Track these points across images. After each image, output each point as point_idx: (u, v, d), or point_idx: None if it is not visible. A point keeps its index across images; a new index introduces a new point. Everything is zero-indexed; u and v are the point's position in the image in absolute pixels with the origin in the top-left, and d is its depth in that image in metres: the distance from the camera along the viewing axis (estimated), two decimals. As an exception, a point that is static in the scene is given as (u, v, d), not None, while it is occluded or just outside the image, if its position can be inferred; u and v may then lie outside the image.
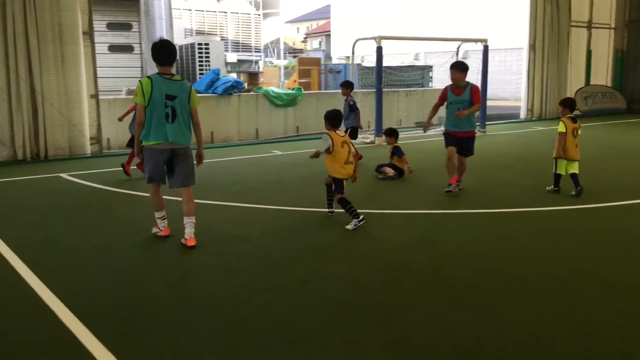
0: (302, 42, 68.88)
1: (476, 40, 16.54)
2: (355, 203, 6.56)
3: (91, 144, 11.82)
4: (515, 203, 7.68)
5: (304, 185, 8.94)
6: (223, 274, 5.13)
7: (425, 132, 9.94)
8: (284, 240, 6.13)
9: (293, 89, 15.89)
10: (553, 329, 4.04)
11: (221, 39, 23.30)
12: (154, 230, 6.27)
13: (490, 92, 17.30)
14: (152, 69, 19.59)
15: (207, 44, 19.78)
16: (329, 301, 4.50)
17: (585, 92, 20.96)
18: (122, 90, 14.76)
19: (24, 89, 10.84)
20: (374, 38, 13.68)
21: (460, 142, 8.18)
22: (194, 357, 3.62)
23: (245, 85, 15.84)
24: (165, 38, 7.15)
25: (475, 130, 8.48)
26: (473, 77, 16.85)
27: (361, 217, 6.53)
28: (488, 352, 3.71)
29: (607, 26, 22.03)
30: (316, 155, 7.02)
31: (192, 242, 5.84)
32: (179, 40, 22.77)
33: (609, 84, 22.31)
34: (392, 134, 10.13)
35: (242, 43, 26.12)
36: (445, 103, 8.36)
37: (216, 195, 8.09)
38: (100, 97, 12.16)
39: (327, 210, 7.10)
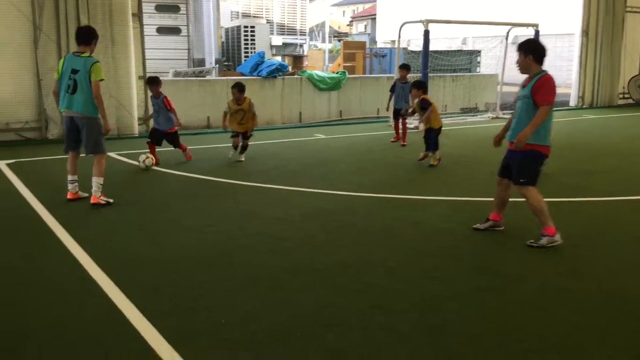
0: (348, 25, 68.34)
1: (527, 25, 16.07)
2: (398, 189, 6.49)
3: (139, 125, 12.04)
4: (561, 193, 7.48)
5: (347, 169, 8.91)
6: (264, 255, 5.17)
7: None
8: (325, 223, 6.13)
9: (337, 73, 15.80)
10: (600, 320, 3.94)
11: (267, 22, 23.34)
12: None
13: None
14: (199, 51, 19.79)
15: (252, 27, 19.84)
16: (370, 286, 4.49)
17: (640, 80, 20.18)
18: (168, 72, 14.96)
19: (75, 70, 11.08)
20: (422, 22, 13.45)
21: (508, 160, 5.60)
22: (235, 336, 3.67)
23: (290, 68, 15.84)
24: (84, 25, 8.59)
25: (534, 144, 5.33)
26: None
27: None
28: (529, 344, 3.64)
29: (666, 11, 21.07)
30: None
31: (93, 200, 6.58)
32: (225, 22, 22.92)
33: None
34: (420, 86, 9.41)
35: (287, 26, 26.10)
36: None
37: (259, 178, 8.14)
38: (148, 78, 12.33)
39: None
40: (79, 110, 6.49)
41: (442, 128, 9.37)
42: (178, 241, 5.57)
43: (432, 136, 9.08)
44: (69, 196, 6.79)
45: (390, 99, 11.68)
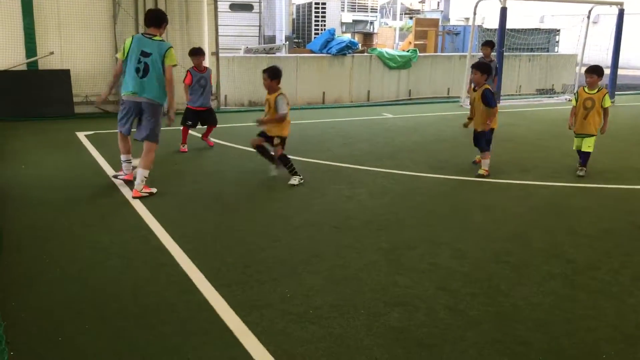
0: (420, 2, 66.81)
1: (611, 4, 15.23)
2: (467, 172, 6.31)
3: (211, 100, 12.28)
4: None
5: (414, 149, 8.79)
6: (330, 231, 5.20)
7: None
8: (392, 203, 6.09)
9: (408, 51, 15.54)
10: (680, 317, 3.75)
11: (338, -1, 23.16)
12: (118, 173, 6.63)
13: (622, 61, 15.99)
14: (270, 27, 19.88)
15: (324, 4, 19.74)
16: (436, 267, 4.44)
17: None
18: (240, 49, 15.14)
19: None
20: (498, -2, 12.98)
21: None
22: (300, 309, 3.72)
23: (360, 46, 15.69)
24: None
25: None
26: (605, 43, 15.63)
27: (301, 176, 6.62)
28: (601, 334, 3.51)
29: None
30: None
31: (134, 194, 6.06)
32: (297, 0, 22.91)
33: None
34: (484, 69, 7.23)
35: (358, 3, 25.82)
36: None
37: (326, 155, 8.16)
38: (220, 54, 12.54)
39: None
40: (149, 96, 6.12)
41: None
42: (247, 213, 5.68)
43: (487, 135, 7.31)
44: (125, 177, 6.52)
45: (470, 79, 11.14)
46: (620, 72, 15.60)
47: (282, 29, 19.68)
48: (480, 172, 7.16)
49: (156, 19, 6.25)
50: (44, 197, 6.05)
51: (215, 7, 12.18)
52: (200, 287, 4.02)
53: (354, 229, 5.27)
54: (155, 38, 6.17)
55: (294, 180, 6.64)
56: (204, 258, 4.51)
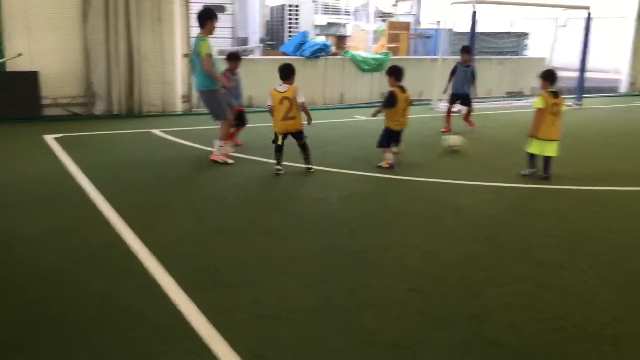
0: (393, 5, 67.27)
1: (578, 8, 15.53)
2: (440, 173, 6.37)
3: (183, 102, 12.19)
4: (609, 181, 7.25)
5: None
6: (302, 235, 5.19)
7: None
8: (364, 205, 6.10)
9: (381, 54, 15.63)
10: (634, 311, 3.84)
11: (312, 1, 23.16)
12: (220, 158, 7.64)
13: (592, 64, 16.34)
14: (243, 29, 19.75)
15: (297, 6, 19.71)
16: (409, 270, 4.46)
17: (698, 66, 19.29)
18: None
19: (122, 45, 11.24)
20: (470, 2, 13.14)
21: None
22: (272, 312, 3.70)
23: (333, 48, 15.72)
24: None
25: None
26: (573, 47, 15.89)
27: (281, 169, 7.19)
28: (569, 334, 3.57)
29: None
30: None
31: (212, 157, 7.65)
32: (270, 1, 22.86)
33: None
34: (391, 72, 7.87)
35: (332, 6, 25.87)
36: None
37: (298, 158, 8.13)
38: (192, 56, 12.44)
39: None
40: (197, 87, 7.74)
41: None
42: (220, 217, 5.64)
43: (385, 132, 7.90)
44: (211, 157, 7.72)
45: (448, 83, 11.11)
46: (588, 75, 15.90)
47: (255, 31, 19.60)
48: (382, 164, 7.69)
49: (199, 19, 7.45)
50: (9, 201, 5.92)
51: (187, 9, 12.08)
52: (170, 292, 3.97)
53: (326, 232, 5.27)
54: (198, 35, 7.44)
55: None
56: (174, 263, 4.45)
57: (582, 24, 15.06)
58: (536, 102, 7.29)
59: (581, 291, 4.17)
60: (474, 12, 13.03)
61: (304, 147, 7.40)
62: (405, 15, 41.73)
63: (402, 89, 7.83)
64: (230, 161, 7.63)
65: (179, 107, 12.07)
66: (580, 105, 14.78)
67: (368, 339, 3.44)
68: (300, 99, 7.15)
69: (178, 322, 3.58)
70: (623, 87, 18.55)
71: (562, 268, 4.57)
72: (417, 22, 43.12)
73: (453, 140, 8.89)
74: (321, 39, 16.99)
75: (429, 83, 14.95)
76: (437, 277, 4.34)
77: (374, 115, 8.13)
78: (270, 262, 4.53)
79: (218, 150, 7.65)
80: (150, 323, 3.56)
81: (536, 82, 16.64)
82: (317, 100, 14.36)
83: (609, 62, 23.67)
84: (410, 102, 7.95)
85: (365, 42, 25.37)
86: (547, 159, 7.25)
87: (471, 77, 10.78)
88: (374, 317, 3.69)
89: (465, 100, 10.89)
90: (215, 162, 7.58)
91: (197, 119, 11.29)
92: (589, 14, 14.99)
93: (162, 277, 4.19)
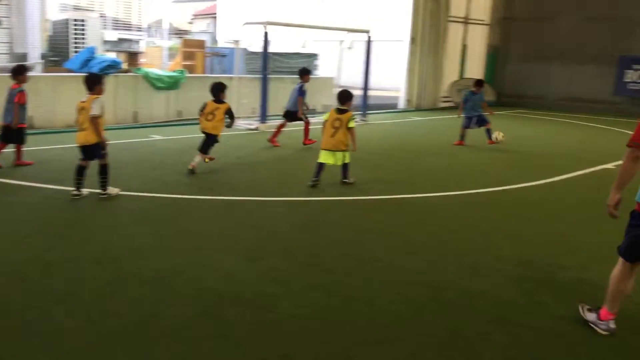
0: (189, 23, 66.79)
1: (360, 31, 16.85)
2: (237, 191, 6.43)
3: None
4: (390, 190, 7.92)
5: (184, 171, 8.67)
6: (88, 266, 4.84)
7: None
8: (158, 229, 5.90)
9: (176, 72, 15.37)
10: (417, 309, 4.22)
11: (100, 16, 22.01)
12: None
13: (374, 82, 17.79)
14: (22, 44, 18.10)
15: (82, 21, 18.55)
16: (203, 292, 4.39)
17: (459, 84, 22.06)
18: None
19: None
20: (262, 23, 13.53)
21: None
22: (51, 355, 3.38)
23: (124, 65, 15.09)
24: None
25: None
26: (357, 67, 17.16)
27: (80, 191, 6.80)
28: (355, 338, 3.79)
29: (482, 22, 23.31)
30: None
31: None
32: (52, 15, 21.23)
33: (482, 78, 23.65)
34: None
35: (123, 21, 24.87)
36: None
37: (86, 182, 7.62)
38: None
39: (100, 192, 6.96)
40: None
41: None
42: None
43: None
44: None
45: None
46: (371, 93, 17.29)
47: (36, 46, 18.02)
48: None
49: None
50: None
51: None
52: None
53: (115, 261, 4.98)
54: None
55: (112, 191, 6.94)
56: None
57: (364, 46, 16.35)
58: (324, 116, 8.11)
59: (366, 295, 4.46)
60: (266, 33, 13.45)
61: (100, 168, 6.90)
62: (201, 33, 41.65)
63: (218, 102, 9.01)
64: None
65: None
66: (366, 120, 16.00)
67: (159, 369, 3.30)
68: (93, 111, 6.67)
69: None
70: (401, 104, 20.52)
71: (348, 275, 4.86)
72: (214, 40, 43.29)
73: (496, 134, 11.48)
74: (111, 56, 16.24)
75: (227, 101, 15.03)
76: (233, 296, 4.34)
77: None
78: (48, 299, 4.15)
79: None
80: None
81: (327, 100, 17.71)
82: (109, 119, 13.60)
83: (390, 81, 26.07)
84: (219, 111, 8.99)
85: (160, 59, 24.79)
86: (342, 167, 7.96)
87: (298, 95, 11.62)
88: (165, 347, 3.57)
89: (293, 116, 11.65)
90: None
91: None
92: (369, 37, 16.34)
93: None
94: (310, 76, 12.09)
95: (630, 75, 20.01)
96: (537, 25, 22.21)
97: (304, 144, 11.57)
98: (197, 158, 8.72)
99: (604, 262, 5.35)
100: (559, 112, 19.83)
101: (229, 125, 9.12)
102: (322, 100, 17.92)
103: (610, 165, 10.23)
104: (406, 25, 19.89)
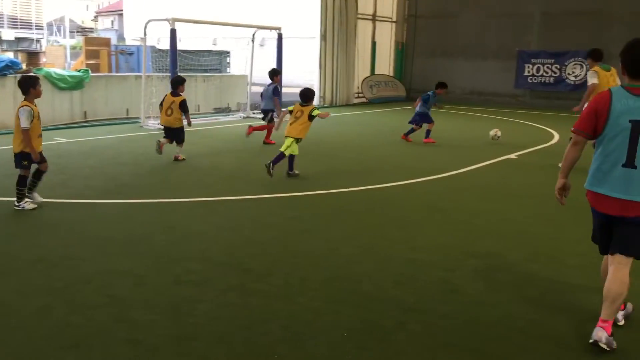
0: (93, 20, 64.29)
1: (270, 28, 16.81)
2: (150, 193, 6.24)
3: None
4: (307, 187, 7.96)
5: (90, 175, 8.31)
6: (-10, 278, 4.55)
7: None
8: (65, 236, 5.63)
9: (79, 71, 14.71)
10: (336, 304, 4.26)
11: (-6, 14, 20.75)
12: None
13: (286, 79, 17.79)
14: None
15: (-26, 18, 17.41)
16: (115, 300, 4.23)
17: (371, 80, 22.54)
18: None
19: None
20: (167, 20, 13.20)
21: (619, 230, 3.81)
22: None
23: (24, 65, 14.28)
24: None
25: None
26: (270, 64, 17.13)
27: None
28: (276, 336, 3.78)
29: (389, 19, 23.88)
30: None
31: None
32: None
33: (391, 74, 24.27)
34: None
35: (21, 19, 23.53)
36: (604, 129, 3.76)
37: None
38: None
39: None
40: None
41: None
42: None
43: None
44: None
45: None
46: (285, 90, 17.29)
47: None
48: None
49: None
50: None
51: None
52: None
53: (20, 272, 4.70)
54: None
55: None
56: None
57: (276, 43, 16.33)
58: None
59: (286, 293, 4.45)
60: (173, 30, 13.14)
61: (18, 179, 6.48)
62: (107, 31, 40.13)
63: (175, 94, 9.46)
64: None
65: None
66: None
67: (70, 383, 3.15)
68: (22, 123, 6.28)
69: None
70: (315, 101, 20.65)
71: (268, 274, 4.83)
72: (121, 38, 41.83)
73: (495, 131, 11.98)
74: (8, 55, 15.33)
75: (136, 101, 14.59)
76: (146, 302, 4.20)
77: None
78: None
79: None
80: None
81: (240, 98, 17.55)
82: (8, 123, 12.84)
83: (303, 78, 26.17)
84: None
85: (62, 58, 23.71)
86: (289, 158, 8.44)
87: (274, 96, 11.57)
88: (76, 357, 3.40)
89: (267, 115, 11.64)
90: None
91: None
92: (280, 34, 16.34)
93: None
94: (279, 76, 12.20)
95: (529, 69, 21.14)
96: (441, 22, 23.00)
97: (265, 143, 11.52)
98: (178, 148, 9.47)
99: (513, 249, 5.64)
100: (465, 105, 20.64)
101: (189, 124, 9.56)
102: (235, 98, 17.74)
103: (512, 156, 10.77)
104: (317, 23, 20.03)
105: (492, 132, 12.21)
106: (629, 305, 4.08)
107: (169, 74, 13.47)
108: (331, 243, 5.69)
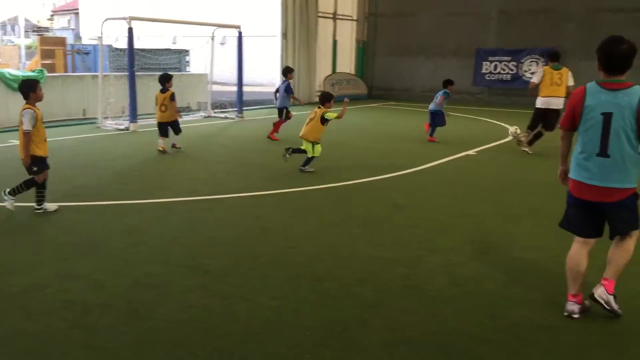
0: (49, 19, 62.77)
1: (230, 27, 16.68)
2: (107, 195, 6.11)
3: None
4: (271, 186, 7.94)
5: (48, 177, 8.09)
6: (-61, 286, 4.40)
7: None
8: (19, 240, 5.49)
9: (34, 71, 14.34)
10: (297, 302, 4.27)
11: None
12: None
13: (247, 78, 17.70)
14: None
15: None
16: (71, 304, 4.14)
17: (333, 79, 22.59)
18: None
19: None
20: (125, 18, 12.97)
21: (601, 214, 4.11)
22: None
23: (-26, 66, 13.83)
24: None
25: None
26: (231, 63, 17.01)
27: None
28: (236, 336, 3.76)
29: (350, 18, 23.96)
30: None
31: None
32: None
33: (353, 72, 24.36)
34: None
35: (-30, 17, 22.78)
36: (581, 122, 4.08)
37: None
38: None
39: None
40: None
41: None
42: None
43: None
44: None
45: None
46: (246, 89, 17.20)
47: None
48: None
49: None
50: None
51: None
52: None
53: (-30, 278, 4.57)
54: None
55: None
56: None
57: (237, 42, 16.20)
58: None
59: (246, 293, 4.43)
60: (130, 29, 12.92)
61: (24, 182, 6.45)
62: (64, 30, 39.28)
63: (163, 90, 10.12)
64: None
65: None
66: (242, 117, 15.89)
67: (24, 392, 3.07)
68: (24, 126, 6.26)
69: None
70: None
71: (228, 274, 4.80)
72: (78, 37, 40.96)
73: (515, 128, 11.40)
74: (-42, 55, 14.84)
75: (93, 101, 14.30)
76: (103, 306, 4.13)
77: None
78: None
79: None
80: None
81: (200, 97, 17.34)
82: (-40, 126, 12.44)
83: (265, 77, 26.04)
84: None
85: (16, 58, 23.10)
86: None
87: (287, 93, 12.22)
88: (31, 365, 3.33)
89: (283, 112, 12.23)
90: None
91: None
92: (240, 32, 16.23)
93: None
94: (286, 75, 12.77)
95: (487, 67, 21.50)
96: (401, 21, 23.20)
97: (269, 138, 12.01)
98: (176, 138, 10.17)
99: (472, 242, 5.74)
100: (425, 103, 20.80)
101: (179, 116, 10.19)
102: (195, 97, 17.54)
103: (471, 152, 10.95)
104: (277, 21, 19.97)
105: (511, 129, 11.65)
106: (587, 302, 4.18)
107: (127, 74, 13.25)
108: (292, 241, 5.69)
